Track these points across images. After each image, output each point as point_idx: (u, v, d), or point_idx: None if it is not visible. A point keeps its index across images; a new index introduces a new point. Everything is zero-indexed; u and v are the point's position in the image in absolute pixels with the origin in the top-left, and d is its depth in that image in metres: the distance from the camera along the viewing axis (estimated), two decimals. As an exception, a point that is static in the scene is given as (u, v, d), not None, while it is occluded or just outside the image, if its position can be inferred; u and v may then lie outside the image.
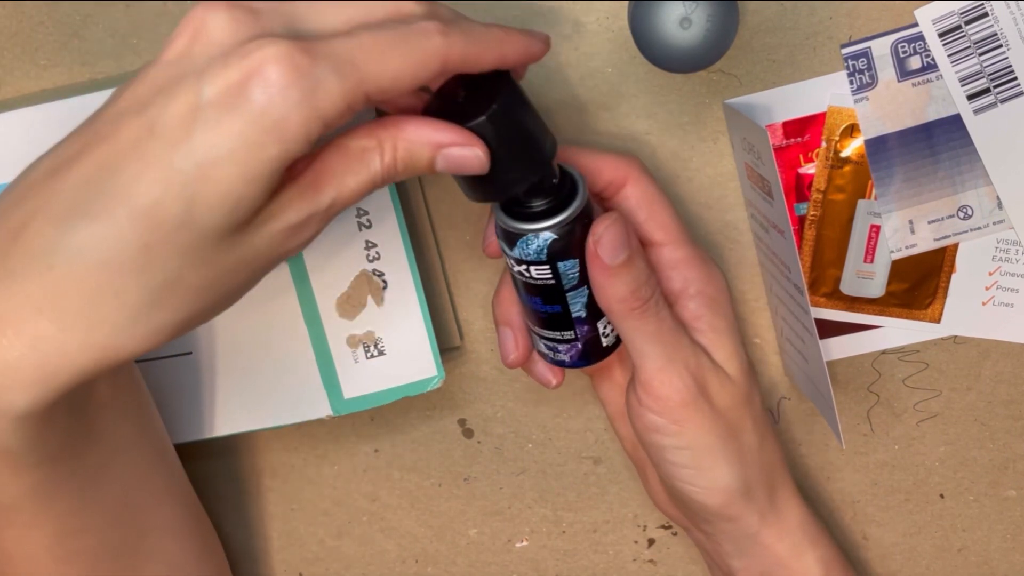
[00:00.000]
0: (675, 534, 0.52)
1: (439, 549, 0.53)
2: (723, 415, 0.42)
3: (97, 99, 0.42)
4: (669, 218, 0.43)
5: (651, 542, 0.52)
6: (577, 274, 0.40)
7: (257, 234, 0.33)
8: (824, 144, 0.45)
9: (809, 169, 0.46)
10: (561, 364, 0.44)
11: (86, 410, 0.37)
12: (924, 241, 0.46)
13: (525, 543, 0.53)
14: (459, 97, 0.37)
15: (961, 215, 0.46)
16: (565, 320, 0.41)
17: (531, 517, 0.52)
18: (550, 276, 0.40)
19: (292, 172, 0.34)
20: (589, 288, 0.40)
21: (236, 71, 0.31)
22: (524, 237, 0.39)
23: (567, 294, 0.40)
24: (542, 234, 0.39)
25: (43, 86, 0.46)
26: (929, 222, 0.46)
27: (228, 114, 0.30)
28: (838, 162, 0.45)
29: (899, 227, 0.46)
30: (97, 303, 0.32)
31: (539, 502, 0.52)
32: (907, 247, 0.46)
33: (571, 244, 0.39)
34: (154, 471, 0.43)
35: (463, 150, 0.36)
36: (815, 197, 0.46)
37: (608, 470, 0.51)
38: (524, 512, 0.52)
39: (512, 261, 0.40)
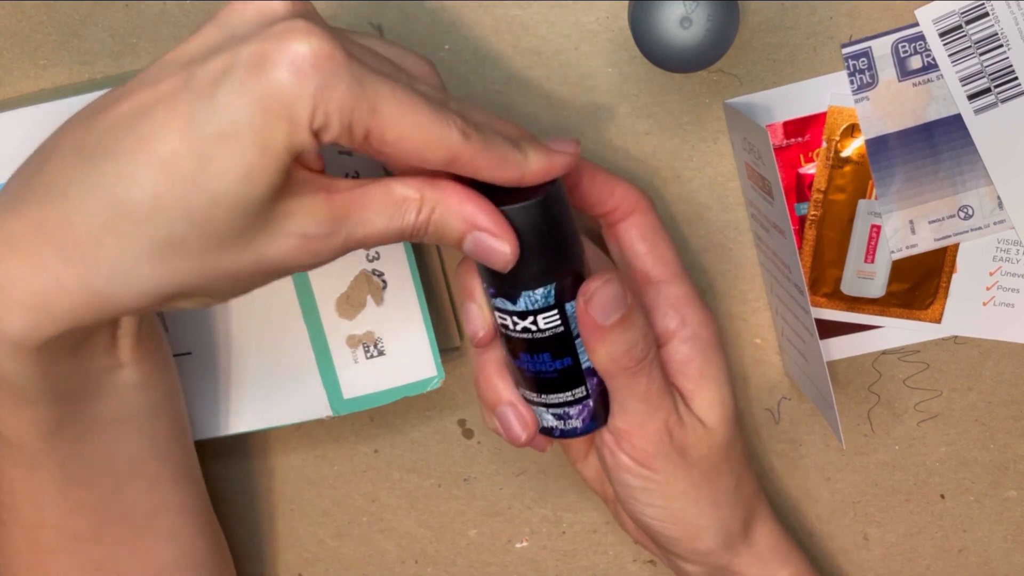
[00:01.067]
0: (675, 534, 0.52)
1: (439, 550, 0.53)
2: (698, 464, 0.42)
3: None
4: (670, 255, 0.42)
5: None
6: None
7: (270, 227, 0.33)
8: (824, 144, 0.45)
9: (809, 169, 0.46)
10: (572, 433, 0.41)
11: (94, 359, 0.38)
12: (925, 241, 0.46)
13: (525, 544, 0.53)
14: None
15: (962, 215, 0.46)
16: (576, 374, 0.39)
17: (531, 518, 0.52)
18: (559, 322, 0.38)
19: (329, 187, 0.34)
20: None
21: (274, 41, 0.31)
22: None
23: (576, 340, 0.39)
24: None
25: (43, 86, 0.46)
26: (930, 222, 0.46)
27: (251, 79, 0.31)
28: (838, 162, 0.45)
29: (899, 227, 0.46)
30: (101, 242, 0.32)
31: (539, 503, 0.52)
32: (908, 247, 0.46)
33: (576, 283, 0.38)
34: (171, 450, 0.42)
35: (494, 241, 0.35)
36: (815, 197, 0.46)
37: (608, 470, 0.51)
38: (524, 513, 0.52)
39: (514, 318, 0.38)
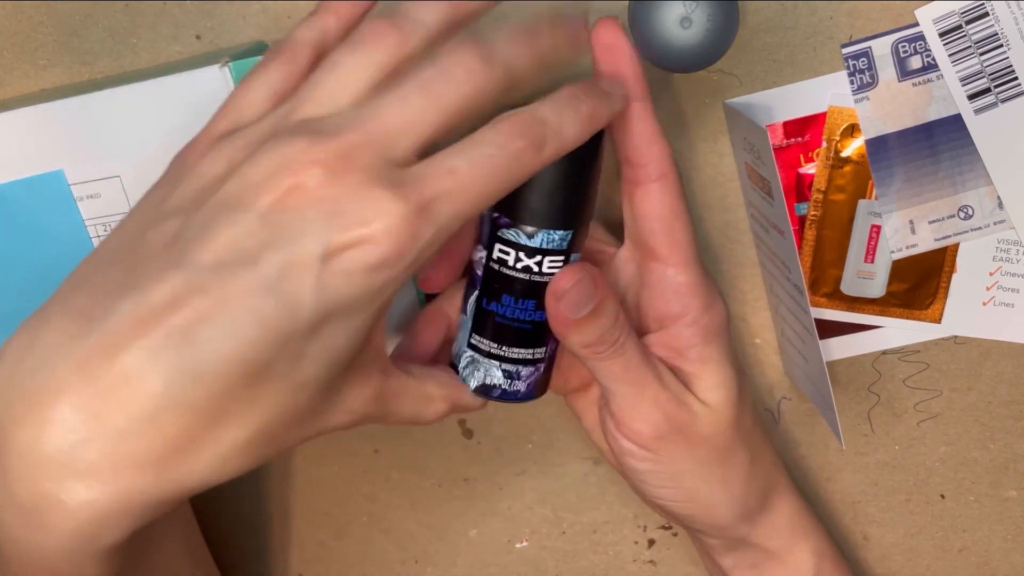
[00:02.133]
0: (675, 535, 0.52)
1: (439, 550, 0.53)
2: (706, 442, 0.42)
3: (97, 99, 0.42)
4: (684, 237, 0.41)
5: (651, 543, 0.52)
6: None
7: (336, 402, 0.34)
8: (824, 144, 0.45)
9: (809, 169, 0.46)
10: (514, 396, 0.41)
11: (148, 539, 0.37)
12: (925, 241, 0.46)
13: (525, 544, 0.53)
14: None
15: (962, 215, 0.46)
16: (544, 333, 0.40)
17: (531, 518, 0.52)
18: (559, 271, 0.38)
19: (385, 369, 0.36)
20: None
21: (351, 234, 0.30)
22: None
23: None
24: None
25: (43, 86, 0.46)
26: (930, 222, 0.46)
27: (343, 274, 0.31)
28: (838, 162, 0.45)
29: (899, 227, 0.46)
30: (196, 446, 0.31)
31: (539, 503, 0.52)
32: (908, 247, 0.46)
33: (583, 239, 0.39)
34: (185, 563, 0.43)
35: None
36: (815, 197, 0.46)
37: (608, 471, 0.51)
38: (524, 513, 0.52)
39: (521, 253, 0.38)
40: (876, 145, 0.45)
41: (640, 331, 0.42)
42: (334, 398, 0.33)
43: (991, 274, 0.47)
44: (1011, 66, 0.43)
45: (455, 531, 0.53)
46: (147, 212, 0.33)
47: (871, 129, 0.45)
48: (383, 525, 0.53)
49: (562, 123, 0.34)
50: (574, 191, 0.37)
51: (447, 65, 0.32)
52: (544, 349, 0.40)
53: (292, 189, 0.31)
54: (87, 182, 0.43)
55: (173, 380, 0.29)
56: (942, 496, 0.51)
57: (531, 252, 0.38)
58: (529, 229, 0.37)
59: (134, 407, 0.29)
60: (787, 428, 0.50)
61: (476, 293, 0.40)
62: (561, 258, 0.38)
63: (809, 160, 0.46)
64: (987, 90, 0.44)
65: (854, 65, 0.44)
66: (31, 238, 0.44)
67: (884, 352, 0.49)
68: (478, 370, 0.40)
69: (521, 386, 0.41)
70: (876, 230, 0.46)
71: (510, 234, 0.38)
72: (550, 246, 0.38)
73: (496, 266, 0.38)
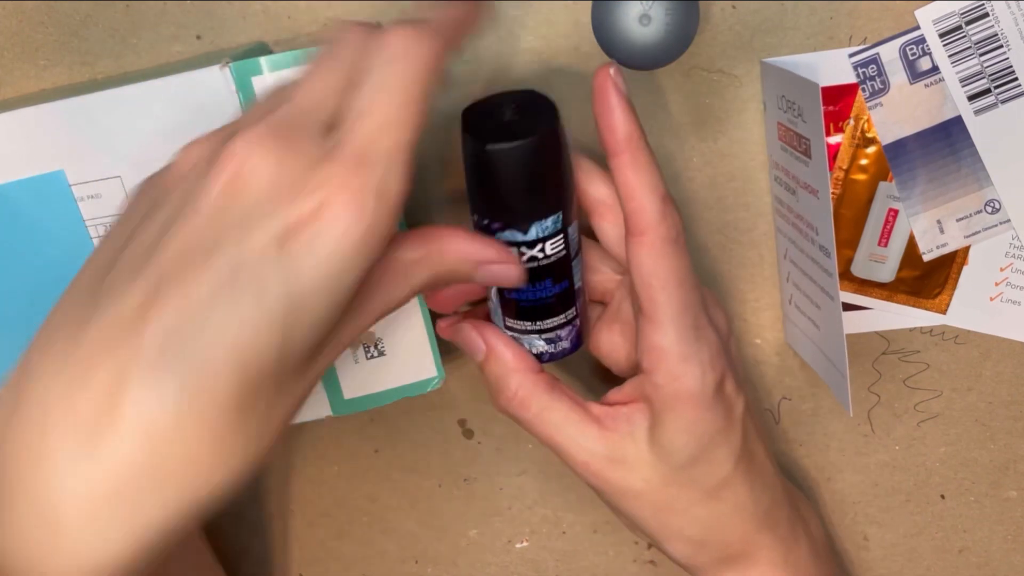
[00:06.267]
0: (675, 535, 0.52)
1: (439, 550, 0.53)
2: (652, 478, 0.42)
3: (97, 99, 0.42)
4: (664, 299, 0.39)
5: (651, 543, 0.52)
6: (577, 237, 0.41)
7: (321, 357, 0.33)
8: (852, 121, 0.45)
9: (835, 139, 0.45)
10: (561, 355, 0.43)
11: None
12: (955, 240, 0.46)
13: (525, 544, 0.53)
14: (503, 115, 0.38)
15: (989, 209, 0.46)
16: (570, 296, 0.41)
17: (531, 518, 0.52)
18: (563, 246, 0.40)
19: None
20: (581, 252, 0.41)
21: (305, 208, 0.30)
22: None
23: (572, 262, 0.41)
24: None
25: (43, 86, 0.46)
26: (957, 220, 0.46)
27: (311, 247, 0.30)
28: (864, 142, 0.45)
29: (928, 228, 0.46)
30: (199, 453, 0.30)
31: (539, 503, 0.52)
32: (938, 247, 0.46)
33: (573, 206, 0.40)
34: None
35: (503, 268, 0.38)
36: (836, 175, 0.46)
37: (608, 471, 0.51)
38: (524, 513, 0.52)
39: (523, 248, 0.39)
40: (895, 149, 0.45)
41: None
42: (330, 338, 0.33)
43: (1002, 270, 0.47)
44: (1011, 67, 0.43)
45: (455, 531, 0.53)
46: (116, 236, 0.34)
47: (888, 134, 0.45)
48: (383, 525, 0.53)
49: (423, 17, 0.34)
50: (545, 179, 0.39)
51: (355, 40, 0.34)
52: (574, 308, 0.42)
53: (232, 180, 0.31)
54: (87, 182, 0.43)
55: (157, 399, 0.29)
56: (942, 496, 0.51)
57: (531, 244, 0.39)
58: (523, 226, 0.39)
59: (128, 436, 0.29)
60: (787, 428, 0.50)
61: (493, 289, 0.42)
62: (560, 237, 0.40)
63: (838, 130, 0.45)
64: (987, 91, 0.44)
65: (863, 73, 0.44)
66: (31, 238, 0.44)
67: (884, 352, 0.49)
68: (522, 344, 0.42)
69: (566, 344, 0.43)
70: (893, 214, 0.46)
71: (507, 235, 0.39)
72: (545, 233, 0.39)
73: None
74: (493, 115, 0.39)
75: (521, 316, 0.42)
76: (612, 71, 0.38)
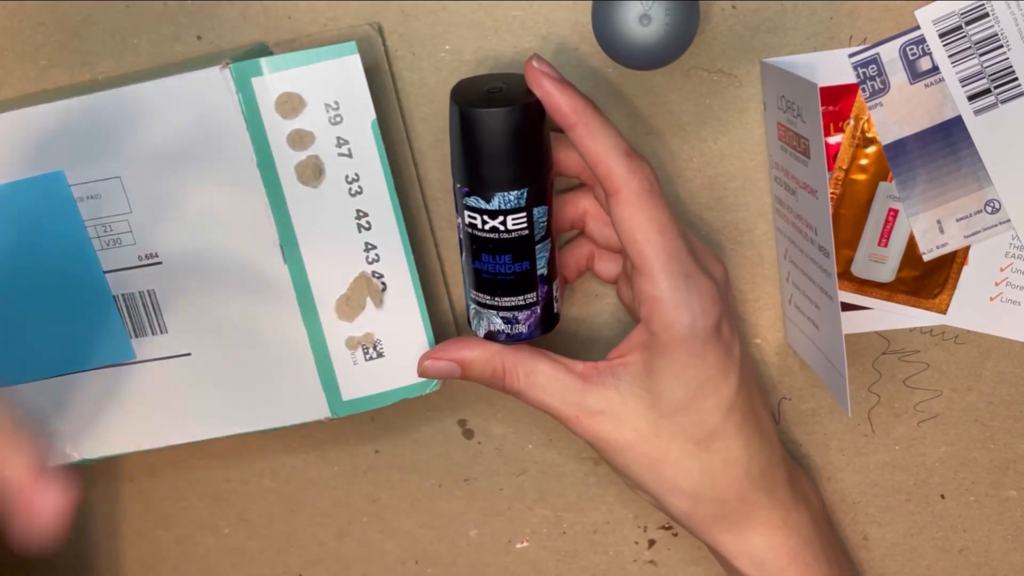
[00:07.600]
0: (675, 535, 0.52)
1: (439, 550, 0.53)
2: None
3: (98, 100, 0.42)
4: (648, 249, 0.40)
5: (651, 543, 0.52)
6: (546, 224, 0.42)
7: None
8: (852, 121, 0.45)
9: (835, 139, 0.45)
10: (518, 338, 0.44)
11: None
12: (955, 240, 0.46)
13: (525, 544, 0.53)
14: (487, 88, 0.40)
15: (988, 209, 0.46)
16: (530, 279, 0.42)
17: (531, 518, 0.52)
18: (525, 226, 0.41)
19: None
20: (552, 241, 0.42)
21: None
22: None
23: (536, 246, 0.42)
24: None
25: (43, 86, 0.46)
26: (957, 220, 0.46)
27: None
28: (864, 142, 0.45)
29: (928, 228, 0.46)
30: None
31: (539, 503, 0.52)
32: (938, 247, 0.46)
33: (543, 191, 0.41)
34: None
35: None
36: (836, 175, 0.46)
37: (608, 471, 0.51)
38: (524, 513, 0.52)
39: (485, 217, 0.41)
40: (895, 149, 0.45)
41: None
42: None
43: (1002, 270, 0.47)
44: (1011, 67, 0.43)
45: (455, 531, 0.53)
46: None
47: (888, 134, 0.45)
48: (383, 525, 0.53)
49: None
50: (516, 154, 0.40)
51: None
52: (535, 294, 0.43)
53: None
54: (87, 183, 0.43)
55: None
56: (942, 496, 0.51)
57: (493, 214, 0.41)
58: (486, 194, 0.40)
59: None
60: (787, 428, 0.50)
61: (464, 254, 0.43)
62: (523, 215, 0.41)
63: (838, 130, 0.45)
64: (987, 91, 0.44)
65: (864, 73, 0.44)
66: (31, 238, 0.44)
67: (884, 352, 0.49)
68: (482, 320, 0.44)
69: (523, 328, 0.44)
70: (893, 214, 0.46)
71: (471, 201, 0.41)
72: (507, 206, 0.41)
73: (470, 229, 0.42)
74: (478, 88, 0.41)
75: (480, 288, 0.43)
76: (535, 62, 0.40)
